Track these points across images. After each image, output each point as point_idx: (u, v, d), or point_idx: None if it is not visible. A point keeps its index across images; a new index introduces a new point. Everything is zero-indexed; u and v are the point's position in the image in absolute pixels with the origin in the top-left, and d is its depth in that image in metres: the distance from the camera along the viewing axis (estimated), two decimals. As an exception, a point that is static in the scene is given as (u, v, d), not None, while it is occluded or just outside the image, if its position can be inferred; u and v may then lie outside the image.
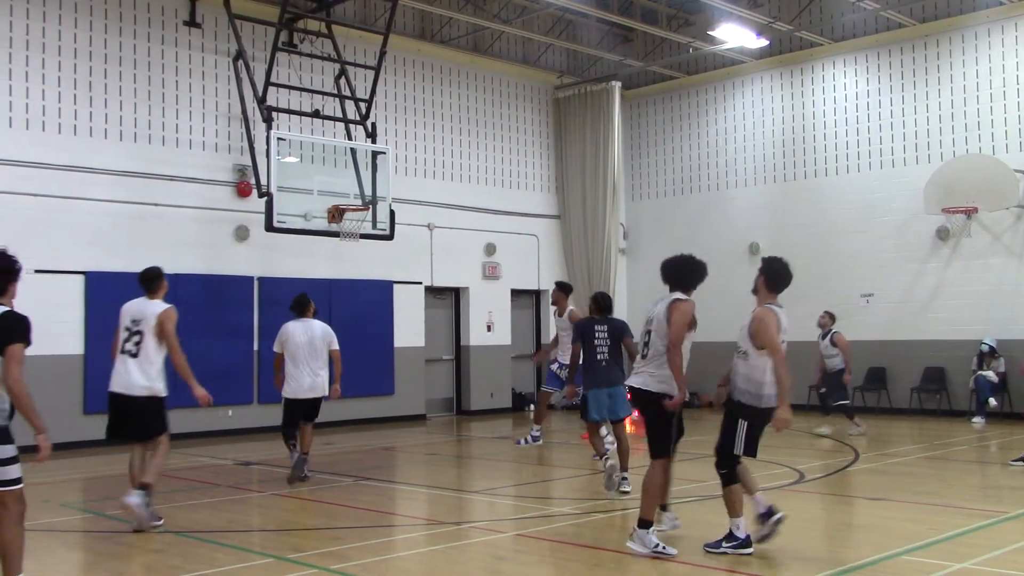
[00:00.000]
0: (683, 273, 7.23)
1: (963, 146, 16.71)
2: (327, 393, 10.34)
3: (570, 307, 12.54)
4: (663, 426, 6.96)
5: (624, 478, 9.42)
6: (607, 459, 9.65)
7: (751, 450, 6.81)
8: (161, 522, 7.90)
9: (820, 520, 7.02)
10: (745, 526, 6.73)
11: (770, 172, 19.17)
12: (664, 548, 6.70)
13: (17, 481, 5.42)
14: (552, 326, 13.58)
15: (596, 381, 9.71)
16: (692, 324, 7.27)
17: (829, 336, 14.49)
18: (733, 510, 6.76)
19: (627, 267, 21.03)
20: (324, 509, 8.98)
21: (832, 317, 14.78)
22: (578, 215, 19.98)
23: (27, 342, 5.33)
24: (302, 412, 10.29)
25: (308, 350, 10.17)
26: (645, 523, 6.76)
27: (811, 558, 6.62)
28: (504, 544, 7.47)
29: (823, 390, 14.66)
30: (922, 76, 17.26)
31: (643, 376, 7.07)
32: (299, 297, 10.63)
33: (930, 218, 16.48)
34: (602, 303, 10.17)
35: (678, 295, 7.10)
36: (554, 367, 12.85)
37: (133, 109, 14.56)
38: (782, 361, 6.80)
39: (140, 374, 8.19)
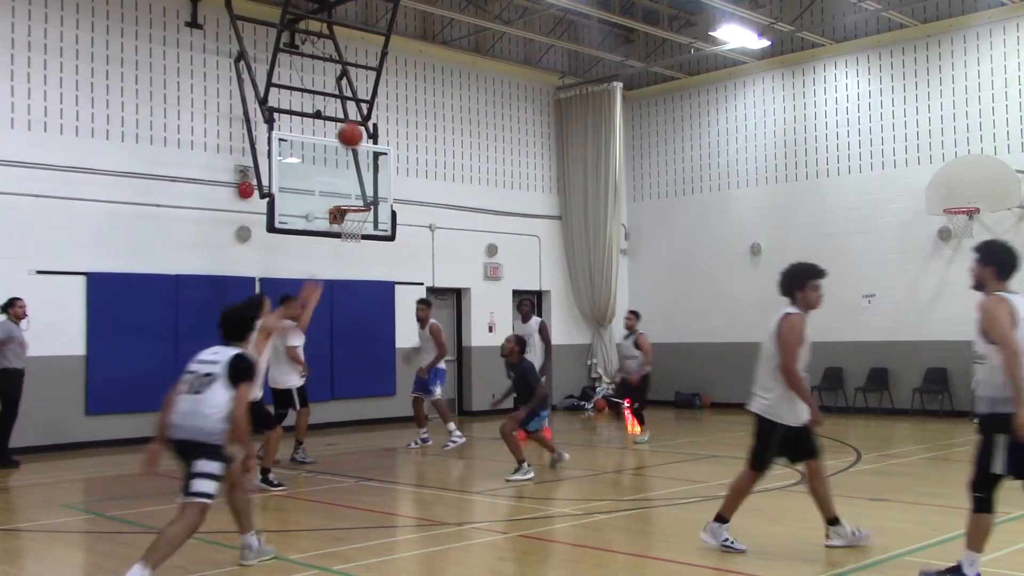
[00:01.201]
0: (784, 280, 6.95)
1: (964, 147, 16.71)
2: (293, 384, 11.61)
3: (432, 320, 13.51)
4: (760, 443, 6.86)
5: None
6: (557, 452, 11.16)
7: (1017, 469, 5.74)
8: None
9: (822, 521, 7.01)
10: (976, 565, 5.80)
11: (772, 173, 19.17)
12: (733, 543, 6.77)
13: (202, 495, 6.12)
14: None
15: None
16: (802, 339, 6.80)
17: (633, 337, 13.80)
18: (971, 542, 5.85)
19: (628, 268, 21.04)
20: (326, 510, 8.98)
21: (638, 316, 14.30)
22: (579, 216, 19.98)
23: (253, 382, 6.38)
24: (279, 401, 11.60)
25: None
26: (722, 519, 6.84)
27: (813, 559, 6.61)
28: (506, 545, 7.48)
29: (612, 395, 13.86)
30: (923, 77, 17.26)
31: (755, 400, 6.97)
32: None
33: (932, 219, 16.47)
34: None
35: (788, 308, 6.86)
36: (419, 372, 13.41)
37: (135, 110, 14.57)
38: (1014, 356, 5.55)
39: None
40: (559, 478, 10.84)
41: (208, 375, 6.21)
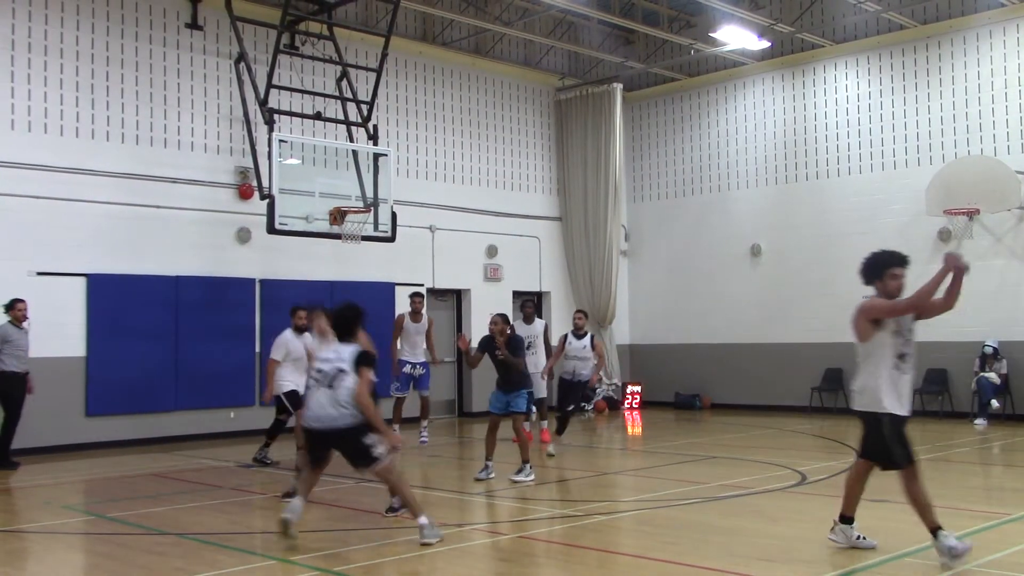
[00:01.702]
0: (864, 269, 6.85)
1: (964, 148, 16.71)
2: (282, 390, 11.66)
3: (426, 315, 13.97)
4: (871, 438, 6.69)
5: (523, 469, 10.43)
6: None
7: None
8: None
9: (822, 522, 7.01)
10: None
11: (772, 174, 19.17)
12: (864, 539, 6.73)
13: (379, 458, 7.30)
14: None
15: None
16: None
17: (587, 338, 12.75)
18: None
19: (628, 269, 21.04)
20: (326, 511, 8.97)
21: (587, 316, 13.46)
22: (579, 217, 19.98)
23: (372, 368, 7.35)
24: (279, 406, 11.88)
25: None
26: (846, 519, 6.78)
27: (813, 560, 6.61)
28: (506, 546, 7.47)
29: (568, 404, 12.71)
30: (923, 78, 17.26)
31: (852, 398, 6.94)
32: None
33: (932, 220, 16.47)
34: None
35: (865, 296, 6.81)
36: (407, 369, 13.57)
37: (135, 111, 14.58)
38: None
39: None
40: (559, 480, 10.84)
41: (340, 370, 7.24)
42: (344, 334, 7.55)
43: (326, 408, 7.21)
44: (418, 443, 13.35)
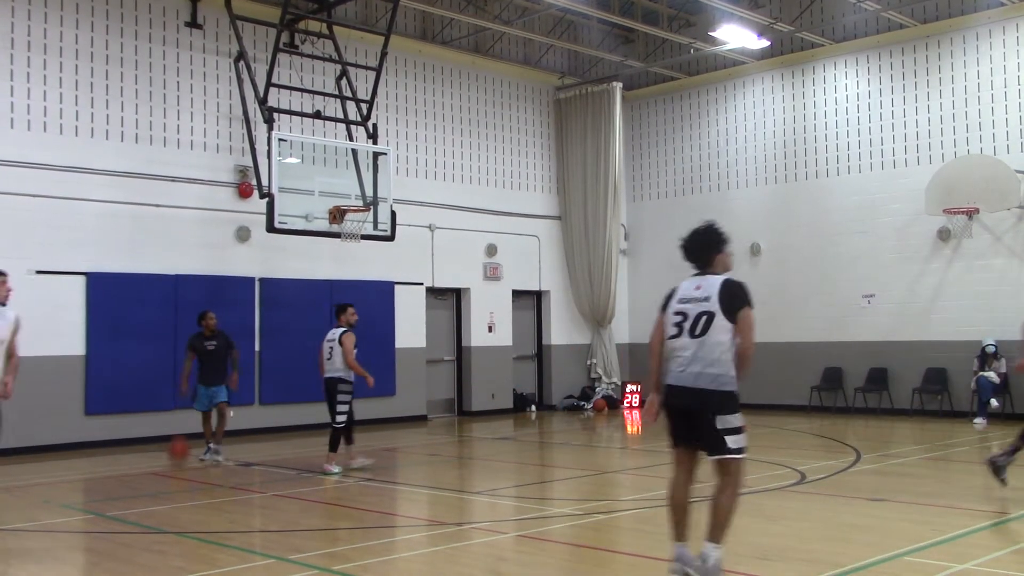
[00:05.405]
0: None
1: (964, 147, 16.71)
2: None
3: None
4: None
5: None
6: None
7: None
8: None
9: (821, 521, 7.02)
10: None
11: (771, 173, 19.17)
12: None
13: (740, 451, 5.64)
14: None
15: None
16: None
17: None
18: None
19: (628, 268, 21.04)
20: (325, 510, 8.98)
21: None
22: (579, 216, 19.98)
23: (752, 305, 5.54)
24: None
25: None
26: None
27: (812, 559, 6.61)
28: (505, 545, 7.47)
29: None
30: (923, 77, 17.26)
31: None
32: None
33: (931, 219, 16.48)
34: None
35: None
36: None
37: (134, 110, 14.57)
38: None
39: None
40: (558, 479, 10.84)
41: (704, 314, 5.56)
42: (701, 261, 5.90)
43: (692, 364, 5.56)
44: None
